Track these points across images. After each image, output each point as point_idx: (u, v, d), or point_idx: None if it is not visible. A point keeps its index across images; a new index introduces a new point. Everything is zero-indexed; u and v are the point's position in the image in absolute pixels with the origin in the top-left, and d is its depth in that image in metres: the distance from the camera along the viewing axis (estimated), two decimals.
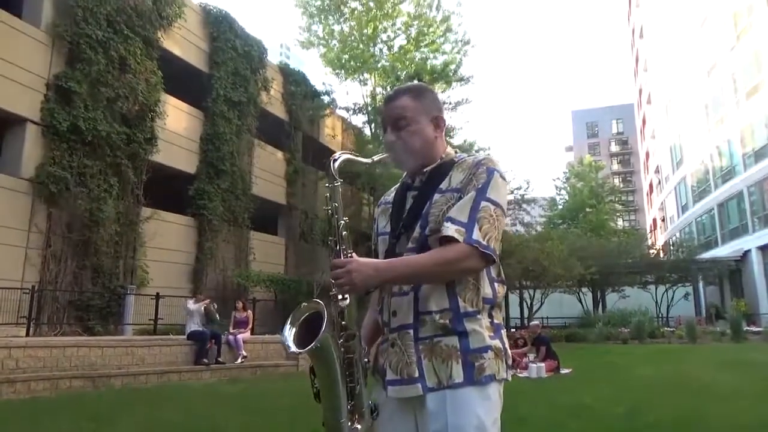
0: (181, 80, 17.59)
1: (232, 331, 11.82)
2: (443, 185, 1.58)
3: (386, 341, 1.57)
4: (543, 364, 10.92)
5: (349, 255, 1.45)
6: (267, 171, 21.38)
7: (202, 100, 18.67)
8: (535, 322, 14.65)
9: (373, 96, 24.26)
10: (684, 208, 41.31)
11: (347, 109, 25.08)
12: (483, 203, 1.50)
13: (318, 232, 20.56)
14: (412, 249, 1.55)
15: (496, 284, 1.56)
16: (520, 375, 10.77)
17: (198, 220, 18.02)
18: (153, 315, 13.38)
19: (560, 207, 48.96)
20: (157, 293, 13.80)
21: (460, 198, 1.53)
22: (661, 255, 35.15)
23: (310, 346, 1.36)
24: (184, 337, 11.04)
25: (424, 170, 1.65)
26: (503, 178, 1.57)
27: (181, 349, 10.73)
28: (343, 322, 1.45)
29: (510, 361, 1.56)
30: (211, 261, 18.04)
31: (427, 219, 1.55)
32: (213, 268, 18.11)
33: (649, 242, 44.31)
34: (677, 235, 42.15)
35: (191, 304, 11.31)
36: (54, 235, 13.44)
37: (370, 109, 24.30)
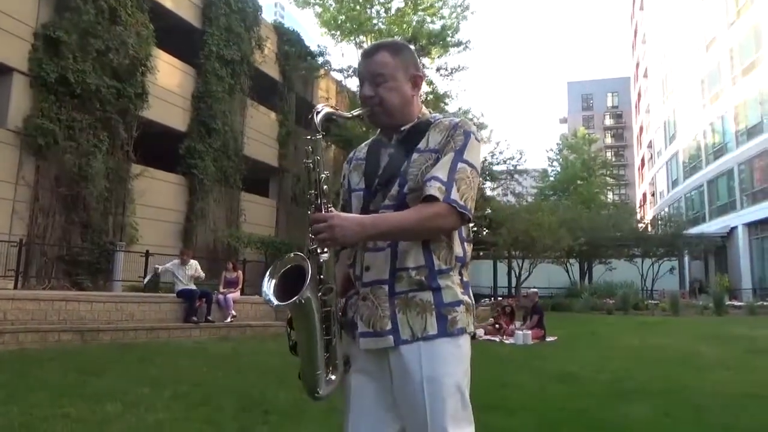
0: (173, 35, 17.18)
1: (222, 290, 11.83)
2: (421, 145, 1.59)
3: (356, 295, 1.59)
4: (529, 332, 11.07)
5: (329, 210, 1.44)
6: (259, 132, 21.13)
7: (195, 57, 18.28)
8: (534, 290, 14.80)
9: None
10: (674, 184, 41.55)
11: (342, 71, 24.72)
12: (460, 164, 1.53)
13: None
14: (389, 206, 1.55)
15: (465, 244, 1.61)
16: (506, 341, 10.94)
17: (189, 179, 17.85)
18: (142, 273, 13.34)
19: (552, 179, 49.07)
20: (147, 251, 13.75)
21: (438, 158, 1.54)
22: (650, 229, 35.44)
23: (293, 300, 1.36)
24: (174, 294, 11.04)
25: (402, 129, 1.64)
26: (478, 140, 1.60)
27: (171, 306, 10.73)
28: (321, 276, 1.45)
29: (475, 313, 1.60)
30: (201, 221, 17.95)
31: (405, 177, 1.55)
32: (203, 228, 18.04)
33: (638, 216, 44.67)
34: (666, 210, 42.51)
35: (176, 267, 11.18)
36: (42, 189, 13.27)
37: None
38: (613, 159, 72.12)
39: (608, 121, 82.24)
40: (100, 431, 3.54)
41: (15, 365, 6.16)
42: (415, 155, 1.57)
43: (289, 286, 1.42)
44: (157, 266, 11.42)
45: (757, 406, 5.01)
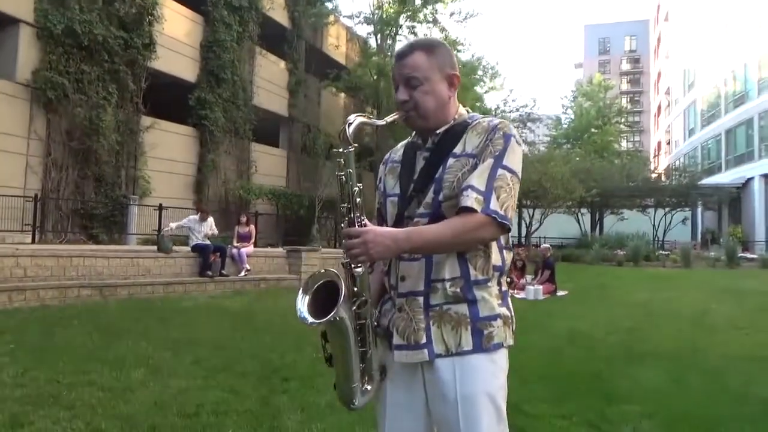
0: None
1: (235, 244, 11.95)
2: (457, 149, 1.54)
3: (392, 305, 1.57)
4: (541, 287, 11.16)
5: (363, 223, 1.41)
6: (268, 81, 20.81)
7: (202, 4, 17.83)
8: (546, 245, 14.82)
9: (380, 5, 23.16)
10: (691, 132, 40.76)
11: (352, 17, 24.07)
12: (500, 171, 1.47)
13: (321, 145, 20.29)
14: (424, 215, 1.51)
15: (504, 252, 1.56)
16: (517, 296, 11.02)
17: (199, 131, 17.75)
18: (156, 226, 13.48)
19: (565, 126, 48.26)
20: (160, 204, 13.84)
21: (476, 164, 1.49)
22: (663, 179, 35.06)
23: (326, 318, 1.36)
24: (188, 249, 11.18)
25: (437, 131, 1.58)
26: (519, 144, 1.53)
27: (186, 261, 10.89)
28: (356, 289, 1.44)
29: (515, 327, 1.57)
30: (212, 173, 17.97)
31: (441, 184, 1.51)
32: (215, 180, 18.08)
33: (652, 166, 44.12)
34: (681, 159, 41.88)
35: (194, 222, 11.26)
36: (54, 143, 13.29)
37: (376, 18, 23.28)
38: (629, 105, 70.64)
39: (625, 66, 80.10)
40: (126, 399, 3.64)
41: (39, 324, 6.32)
42: (450, 160, 1.52)
43: (324, 300, 1.41)
44: (171, 225, 11.44)
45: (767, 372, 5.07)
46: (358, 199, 1.42)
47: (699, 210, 31.76)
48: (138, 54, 14.99)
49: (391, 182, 1.66)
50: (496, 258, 1.52)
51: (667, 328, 7.42)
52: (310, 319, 1.39)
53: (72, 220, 13.57)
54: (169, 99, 16.07)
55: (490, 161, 1.47)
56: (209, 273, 10.77)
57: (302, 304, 1.43)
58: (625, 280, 14.95)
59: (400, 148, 1.74)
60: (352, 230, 1.38)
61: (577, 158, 33.61)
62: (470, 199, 1.42)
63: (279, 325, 6.97)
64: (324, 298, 1.42)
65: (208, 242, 11.12)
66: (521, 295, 10.93)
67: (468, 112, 1.63)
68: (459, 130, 1.56)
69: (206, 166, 17.75)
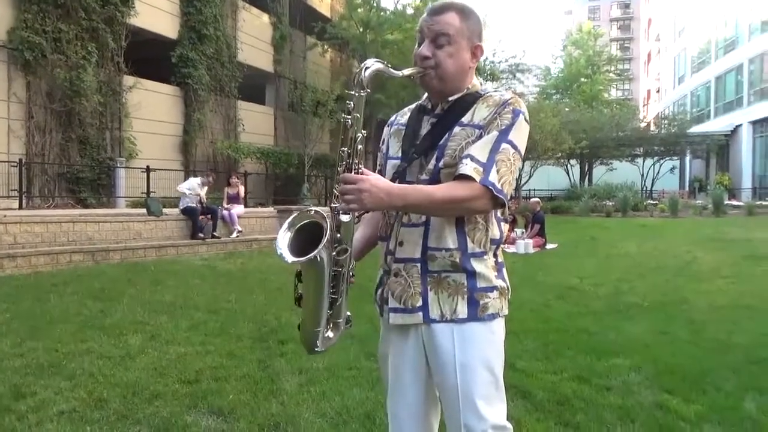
0: None
1: (225, 206, 11.91)
2: (465, 118, 1.53)
3: (388, 270, 1.59)
4: (531, 241, 11.28)
5: (360, 171, 1.41)
6: (252, 36, 20.30)
7: None
8: (535, 199, 14.88)
9: None
10: (680, 80, 40.54)
11: None
12: (504, 145, 1.47)
13: (308, 102, 20.00)
14: (424, 180, 1.52)
15: (501, 224, 1.59)
16: (507, 250, 11.14)
17: (183, 90, 17.40)
18: (145, 188, 13.38)
19: (554, 76, 47.74)
20: (148, 166, 13.70)
21: (481, 135, 1.49)
22: (652, 128, 35.05)
23: (306, 257, 1.37)
24: (178, 211, 11.12)
25: (449, 98, 1.57)
26: (527, 121, 1.54)
27: (176, 223, 10.86)
28: (338, 235, 1.44)
29: (510, 296, 1.60)
30: (199, 132, 17.72)
31: (443, 151, 1.51)
32: (202, 140, 17.85)
33: (642, 115, 43.99)
34: (670, 107, 41.78)
35: (198, 185, 11.13)
36: (35, 106, 13.00)
37: None
38: (619, 53, 69.80)
39: (615, 12, 78.80)
40: (126, 367, 3.70)
41: (33, 291, 6.33)
42: (456, 128, 1.52)
43: (304, 240, 1.42)
44: (185, 192, 11.09)
45: (750, 320, 5.21)
46: (359, 146, 1.41)
47: (687, 158, 31.93)
48: (116, 10, 14.52)
49: (395, 145, 1.66)
50: (494, 231, 1.55)
51: (654, 278, 7.58)
52: (290, 258, 1.40)
53: (59, 185, 13.42)
54: (151, 57, 15.67)
55: (495, 134, 1.48)
56: (201, 235, 10.77)
57: (283, 241, 1.43)
58: (613, 231, 15.14)
59: (407, 111, 1.73)
60: (349, 176, 1.38)
61: (567, 109, 33.42)
62: (469, 168, 1.43)
63: (273, 283, 7.05)
64: (306, 237, 1.42)
65: (197, 205, 11.04)
66: (512, 249, 11.05)
67: (481, 84, 1.62)
68: (470, 100, 1.56)
69: (192, 126, 17.48)
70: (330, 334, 1.56)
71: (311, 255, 1.36)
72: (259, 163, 19.52)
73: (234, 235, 11.53)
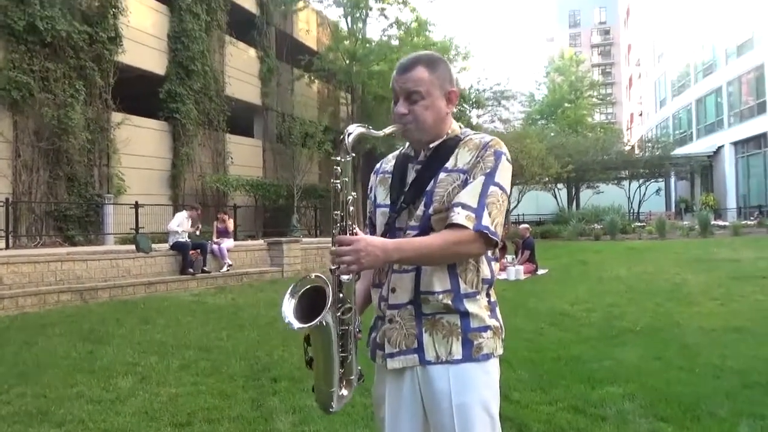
0: None
1: (215, 240, 11.87)
2: (449, 164, 1.57)
3: (382, 316, 1.61)
4: (521, 267, 11.31)
5: (354, 232, 1.44)
6: (240, 70, 20.50)
7: None
8: (525, 225, 14.98)
9: None
10: (662, 103, 41.31)
11: (322, 1, 23.75)
12: (492, 188, 1.51)
13: (297, 133, 20.13)
14: (414, 227, 1.55)
15: (492, 263, 1.61)
16: (498, 277, 11.13)
17: (171, 125, 17.46)
18: (134, 224, 13.31)
19: (539, 102, 48.50)
20: (136, 202, 13.66)
21: (466, 180, 1.53)
22: (636, 150, 35.57)
23: (312, 323, 1.39)
24: (167, 247, 11.05)
25: (430, 145, 1.62)
26: (509, 161, 1.57)
27: (166, 259, 10.78)
28: (341, 295, 1.47)
29: (504, 335, 1.62)
30: (188, 166, 17.73)
31: (431, 197, 1.54)
32: (191, 174, 17.85)
33: (626, 139, 44.67)
34: (653, 130, 42.47)
35: (183, 220, 11.08)
36: (22, 145, 12.98)
37: (345, 0, 22.99)
38: (601, 78, 71.17)
39: (596, 38, 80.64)
40: (116, 411, 3.63)
41: (20, 334, 6.23)
42: (442, 174, 1.56)
43: (308, 305, 1.44)
44: (176, 230, 11.03)
45: (742, 343, 5.24)
46: (351, 208, 1.45)
47: (672, 180, 32.34)
48: (104, 48, 14.64)
49: (382, 193, 1.70)
50: (485, 271, 1.57)
51: (645, 303, 7.61)
52: (297, 324, 1.42)
53: (46, 223, 13.32)
54: (139, 93, 15.76)
55: (481, 178, 1.51)
56: (191, 270, 10.69)
57: (288, 308, 1.46)
58: (603, 254, 15.23)
59: (391, 158, 1.77)
60: (344, 238, 1.41)
61: (552, 134, 33.87)
62: (461, 217, 1.46)
63: (264, 318, 6.99)
64: (309, 302, 1.45)
65: (187, 239, 10.99)
66: (503, 275, 11.01)
67: (460, 127, 1.67)
68: (451, 145, 1.60)
69: (181, 160, 17.50)
70: (344, 392, 1.57)
71: (317, 320, 1.39)
72: (248, 196, 19.53)
73: (224, 269, 11.46)
